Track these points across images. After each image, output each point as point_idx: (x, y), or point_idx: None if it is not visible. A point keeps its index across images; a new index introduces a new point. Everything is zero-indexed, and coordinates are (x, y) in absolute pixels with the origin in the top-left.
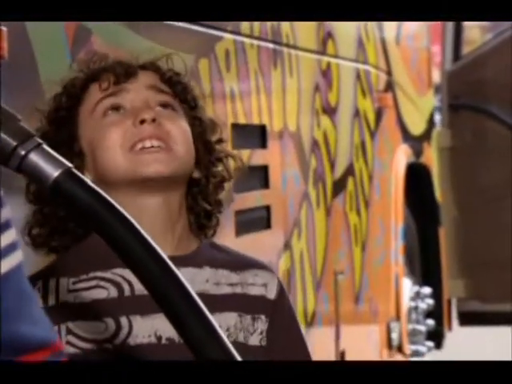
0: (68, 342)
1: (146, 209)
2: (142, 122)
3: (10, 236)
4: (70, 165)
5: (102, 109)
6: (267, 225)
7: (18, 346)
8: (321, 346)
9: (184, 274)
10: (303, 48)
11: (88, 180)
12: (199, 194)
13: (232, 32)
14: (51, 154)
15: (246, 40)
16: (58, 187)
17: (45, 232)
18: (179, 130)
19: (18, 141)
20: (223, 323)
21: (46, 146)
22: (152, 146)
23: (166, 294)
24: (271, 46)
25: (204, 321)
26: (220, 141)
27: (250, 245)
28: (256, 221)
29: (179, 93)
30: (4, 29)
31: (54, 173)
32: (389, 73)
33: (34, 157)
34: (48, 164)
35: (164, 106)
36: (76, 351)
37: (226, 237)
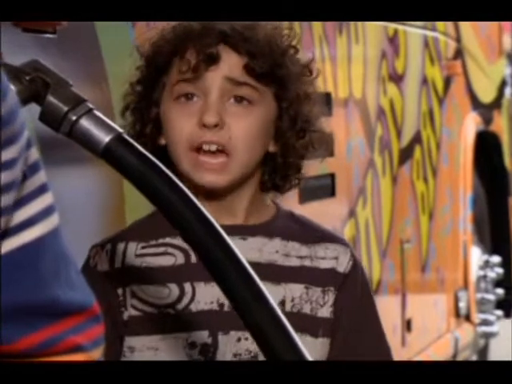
0: (131, 305)
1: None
2: (205, 125)
3: (46, 200)
4: (120, 130)
5: (177, 93)
6: (331, 192)
7: (53, 311)
8: (387, 314)
9: (253, 243)
10: None
11: (139, 145)
12: (276, 164)
13: None
14: (102, 119)
15: None
16: (110, 153)
17: None
18: (245, 130)
19: (69, 106)
20: (288, 294)
21: (97, 112)
22: (209, 151)
23: (214, 259)
24: None
25: (251, 285)
26: (306, 117)
27: (313, 212)
28: (320, 188)
29: (263, 77)
30: None
31: (105, 138)
32: (458, 40)
33: (85, 122)
34: (99, 129)
35: (239, 98)
36: (139, 314)
37: (290, 204)
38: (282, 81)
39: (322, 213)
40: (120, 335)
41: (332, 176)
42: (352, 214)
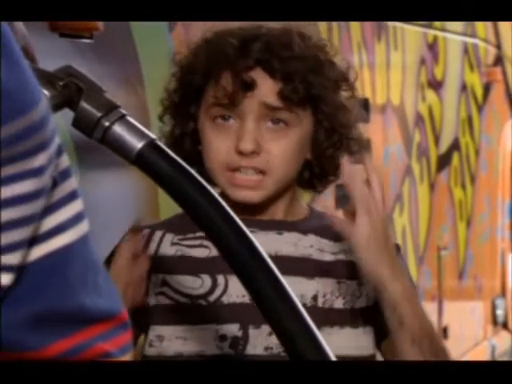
0: (162, 293)
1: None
2: (241, 152)
3: (75, 207)
4: (153, 136)
5: (213, 114)
6: None
7: (81, 318)
8: None
9: (289, 238)
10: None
11: (171, 152)
12: (313, 172)
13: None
14: (135, 125)
15: None
16: (142, 159)
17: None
18: (282, 151)
19: (102, 112)
20: (321, 288)
21: (129, 118)
22: (247, 175)
23: (241, 263)
24: None
25: (276, 285)
26: (342, 126)
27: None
28: None
29: (301, 104)
30: None
31: (137, 144)
32: (498, 46)
33: (118, 128)
34: (132, 135)
35: (276, 120)
36: (170, 303)
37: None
38: (317, 98)
39: None
40: (141, 321)
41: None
42: (389, 220)
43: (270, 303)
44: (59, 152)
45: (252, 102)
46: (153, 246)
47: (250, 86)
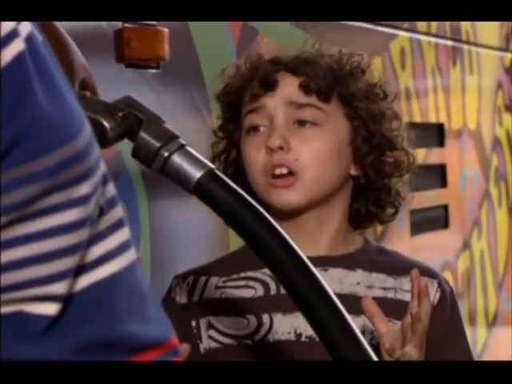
0: (209, 337)
1: (292, 215)
2: (271, 149)
3: (122, 235)
4: (212, 166)
5: (247, 125)
6: (445, 224)
7: (129, 346)
8: (502, 347)
9: (334, 275)
10: (485, 45)
11: (230, 181)
12: (362, 188)
13: (408, 30)
14: (194, 155)
15: (423, 37)
16: (201, 188)
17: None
18: (311, 151)
19: (162, 142)
20: (368, 325)
21: (188, 148)
22: (281, 174)
23: (303, 295)
24: (450, 43)
25: (341, 322)
26: (382, 135)
27: (425, 244)
28: (433, 220)
29: (323, 95)
30: (166, 30)
31: (196, 174)
32: None
33: (177, 158)
34: (191, 165)
35: (302, 122)
36: (217, 346)
37: (401, 236)
38: (348, 99)
39: (434, 245)
40: None
41: (445, 207)
42: (466, 245)
43: (332, 337)
44: (105, 180)
45: (277, 101)
46: (197, 293)
47: (271, 85)
